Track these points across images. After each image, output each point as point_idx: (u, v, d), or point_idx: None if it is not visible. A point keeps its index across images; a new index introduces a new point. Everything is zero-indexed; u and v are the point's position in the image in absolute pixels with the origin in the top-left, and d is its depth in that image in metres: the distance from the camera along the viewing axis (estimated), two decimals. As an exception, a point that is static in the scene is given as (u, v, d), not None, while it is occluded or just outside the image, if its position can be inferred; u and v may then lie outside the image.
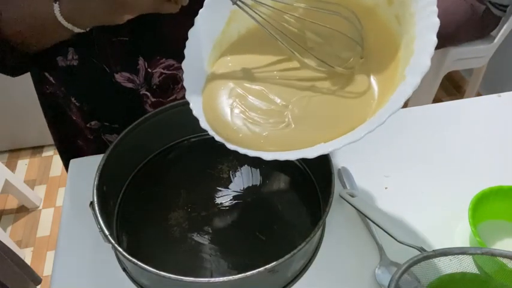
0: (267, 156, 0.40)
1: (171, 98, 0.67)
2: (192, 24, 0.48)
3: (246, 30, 0.50)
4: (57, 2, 0.47)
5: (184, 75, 0.47)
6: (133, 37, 0.59)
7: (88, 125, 0.70)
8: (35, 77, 0.68)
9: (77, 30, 0.50)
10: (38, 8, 0.48)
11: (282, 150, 0.41)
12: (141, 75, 0.63)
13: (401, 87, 0.38)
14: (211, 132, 0.44)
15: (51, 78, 0.65)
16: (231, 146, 0.42)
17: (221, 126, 0.44)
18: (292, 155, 0.40)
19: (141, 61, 0.61)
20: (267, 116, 0.44)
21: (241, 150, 0.42)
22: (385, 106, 0.38)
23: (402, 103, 0.35)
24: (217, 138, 0.43)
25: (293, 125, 0.43)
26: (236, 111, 0.45)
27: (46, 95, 0.69)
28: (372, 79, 0.43)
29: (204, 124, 0.44)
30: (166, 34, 0.60)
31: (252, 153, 0.41)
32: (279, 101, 0.45)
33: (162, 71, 0.63)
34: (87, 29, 0.51)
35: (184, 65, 0.47)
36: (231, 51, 0.50)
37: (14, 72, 0.60)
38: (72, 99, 0.67)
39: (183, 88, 0.67)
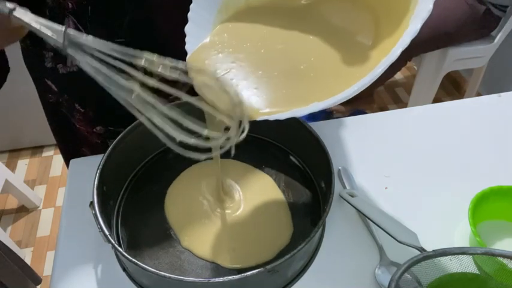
0: (259, 117, 0.40)
1: (172, 97, 0.67)
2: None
3: None
4: None
5: (186, 39, 0.45)
6: (130, 38, 0.59)
7: (94, 130, 0.70)
8: (38, 86, 0.68)
9: None
10: None
11: (273, 113, 0.40)
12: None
13: (403, 37, 0.36)
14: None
15: (53, 87, 0.65)
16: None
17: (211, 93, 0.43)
18: (283, 115, 0.39)
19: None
20: (253, 83, 0.43)
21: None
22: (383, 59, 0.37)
23: (398, 53, 0.34)
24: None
25: (284, 90, 0.42)
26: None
27: (50, 104, 0.69)
28: (377, 38, 0.42)
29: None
30: (163, 33, 0.60)
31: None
32: (269, 69, 0.44)
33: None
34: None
35: (187, 29, 0.46)
36: (236, 18, 0.48)
37: None
38: (76, 105, 0.67)
39: (184, 87, 0.67)
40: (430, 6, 0.34)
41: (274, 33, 0.47)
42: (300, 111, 0.39)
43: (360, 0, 0.45)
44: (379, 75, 0.35)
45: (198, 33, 0.46)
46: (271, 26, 0.47)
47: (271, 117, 0.40)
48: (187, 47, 0.45)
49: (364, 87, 0.36)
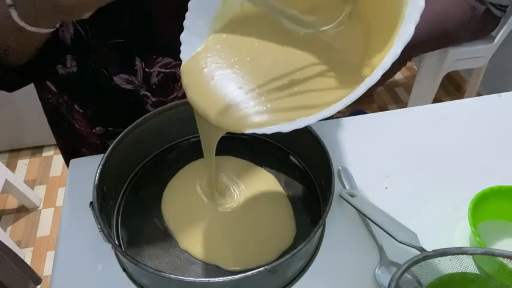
0: (247, 130, 0.41)
1: (171, 97, 0.67)
2: None
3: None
4: (13, 8, 0.43)
5: (181, 47, 0.46)
6: (128, 38, 0.59)
7: (94, 131, 0.70)
8: (38, 87, 0.68)
9: (45, 31, 0.46)
10: None
11: (260, 126, 0.41)
12: (139, 75, 0.63)
13: (384, 58, 0.36)
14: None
15: (52, 87, 0.65)
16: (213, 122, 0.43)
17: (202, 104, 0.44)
18: (269, 130, 0.40)
19: (138, 61, 0.61)
20: (244, 99, 0.44)
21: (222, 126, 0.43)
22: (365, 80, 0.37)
23: (380, 75, 0.34)
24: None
25: (268, 104, 0.43)
26: (218, 91, 0.44)
27: (50, 104, 0.69)
28: (366, 54, 0.42)
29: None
30: (161, 32, 0.60)
31: (231, 127, 0.42)
32: (250, 85, 0.44)
33: (160, 69, 0.63)
34: (56, 26, 0.47)
35: (183, 37, 0.46)
36: (230, 28, 0.48)
37: (9, 87, 0.59)
38: (75, 106, 0.67)
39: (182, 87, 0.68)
40: (412, 29, 0.34)
41: (263, 46, 0.47)
42: (284, 126, 0.39)
43: (353, 11, 0.45)
44: (361, 94, 0.35)
45: (192, 42, 0.46)
46: (261, 38, 0.48)
47: (259, 131, 0.40)
48: (181, 56, 0.46)
49: (346, 106, 0.37)
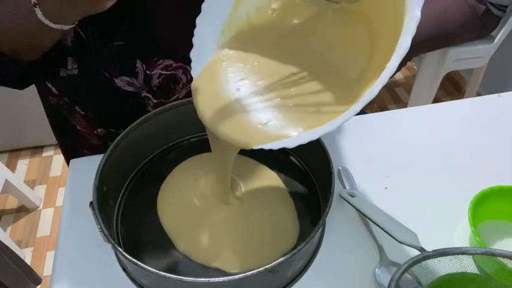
0: (256, 146, 0.42)
1: (173, 98, 0.67)
2: (186, 23, 0.47)
3: (255, 10, 0.48)
4: (38, 7, 0.43)
5: (192, 65, 0.46)
6: (128, 41, 0.59)
7: (95, 132, 0.70)
8: (39, 88, 0.68)
9: (66, 27, 0.47)
10: (22, 17, 0.45)
11: (268, 141, 0.42)
12: (140, 77, 0.63)
13: (383, 72, 0.36)
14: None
15: (54, 89, 0.65)
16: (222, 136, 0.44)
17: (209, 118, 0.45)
18: (275, 145, 0.40)
19: (139, 64, 0.61)
20: (248, 116, 0.44)
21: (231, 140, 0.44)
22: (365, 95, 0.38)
23: (378, 89, 0.35)
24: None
25: (275, 120, 0.44)
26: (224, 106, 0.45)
27: (51, 106, 0.69)
28: (370, 67, 0.43)
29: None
30: (161, 34, 0.60)
31: (240, 144, 0.43)
32: (265, 100, 0.45)
33: (160, 71, 0.63)
34: (76, 23, 0.48)
35: (192, 54, 0.47)
36: (236, 42, 0.49)
37: (21, 84, 0.60)
38: (77, 108, 0.67)
39: (184, 87, 0.68)
40: (408, 42, 0.33)
41: (264, 64, 0.48)
42: (289, 142, 0.40)
43: (360, 19, 0.44)
44: (360, 109, 0.36)
45: (201, 59, 0.47)
46: (264, 54, 0.48)
47: (266, 147, 0.41)
48: (192, 73, 0.47)
49: (348, 119, 0.37)
